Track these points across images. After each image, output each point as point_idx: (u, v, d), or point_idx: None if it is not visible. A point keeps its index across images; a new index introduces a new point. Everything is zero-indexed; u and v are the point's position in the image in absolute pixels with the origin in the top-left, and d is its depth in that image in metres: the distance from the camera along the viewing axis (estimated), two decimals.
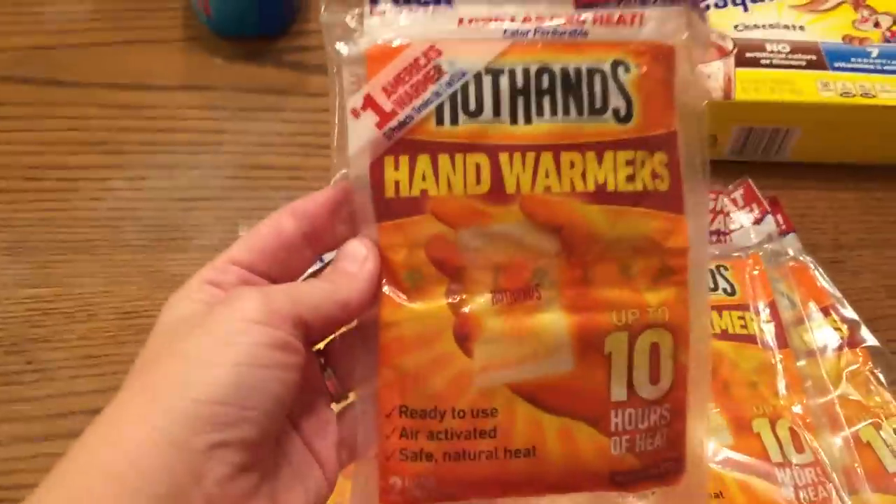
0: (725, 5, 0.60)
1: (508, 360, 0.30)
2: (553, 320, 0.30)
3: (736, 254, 0.51)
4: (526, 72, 0.30)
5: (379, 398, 0.30)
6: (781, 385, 0.46)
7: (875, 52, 0.58)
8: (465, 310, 0.30)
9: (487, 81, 0.30)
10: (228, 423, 0.27)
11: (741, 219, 0.52)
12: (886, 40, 0.59)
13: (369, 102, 0.30)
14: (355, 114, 0.30)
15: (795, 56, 0.57)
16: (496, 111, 0.30)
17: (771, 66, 0.57)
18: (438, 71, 0.30)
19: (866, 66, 0.57)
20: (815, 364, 0.47)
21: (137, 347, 0.48)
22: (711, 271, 0.50)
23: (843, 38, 0.58)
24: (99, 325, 0.50)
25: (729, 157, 0.58)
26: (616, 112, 0.30)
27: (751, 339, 0.47)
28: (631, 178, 0.30)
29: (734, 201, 0.53)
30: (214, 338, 0.28)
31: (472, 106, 0.30)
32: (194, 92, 0.61)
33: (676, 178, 0.31)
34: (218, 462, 0.26)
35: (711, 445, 0.43)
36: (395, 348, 0.30)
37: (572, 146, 0.30)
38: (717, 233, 0.52)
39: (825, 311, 0.49)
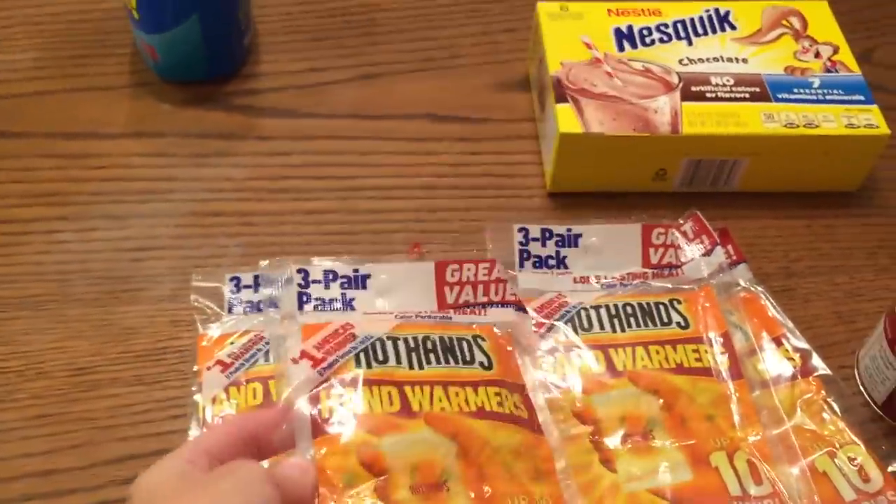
0: (671, 40, 0.61)
1: None
2: None
3: (688, 286, 0.51)
4: (415, 338, 0.45)
5: None
6: (737, 417, 0.46)
7: (816, 83, 0.59)
8: (391, 502, 0.39)
9: (390, 343, 0.44)
10: None
11: (692, 251, 0.53)
12: (827, 70, 0.60)
13: (304, 354, 0.43)
14: (294, 361, 0.42)
15: (739, 89, 0.58)
16: (398, 360, 0.44)
17: (716, 98, 0.58)
18: (353, 336, 0.44)
19: (808, 97, 0.58)
20: (770, 394, 0.47)
21: (90, 404, 0.48)
22: (665, 305, 0.50)
23: (786, 70, 0.60)
24: (50, 383, 0.49)
25: (679, 188, 0.59)
26: (482, 363, 0.45)
27: (706, 371, 0.48)
28: (500, 405, 0.43)
29: (684, 234, 0.54)
30: (228, 488, 0.34)
31: (381, 357, 0.43)
32: (143, 139, 0.60)
33: (532, 411, 0.45)
34: None
35: (668, 478, 0.44)
36: None
37: (455, 383, 0.43)
38: (669, 266, 0.53)
39: (777, 342, 0.50)
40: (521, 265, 0.52)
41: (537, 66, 0.62)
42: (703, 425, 0.46)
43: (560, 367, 0.48)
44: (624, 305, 0.50)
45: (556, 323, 0.49)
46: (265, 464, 0.39)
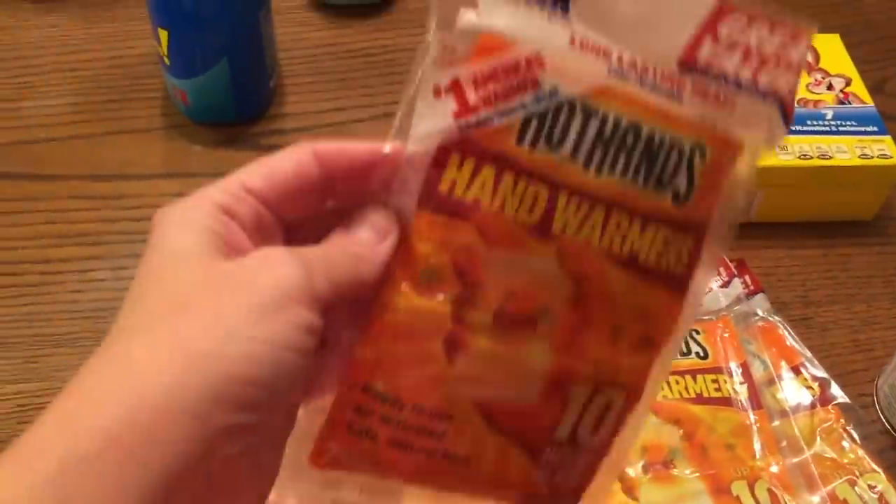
0: None
1: (484, 379, 0.31)
2: (538, 355, 0.31)
3: (706, 317, 0.52)
4: (617, 123, 0.30)
5: (349, 367, 0.30)
6: (757, 446, 0.47)
7: (829, 115, 0.60)
8: (465, 321, 0.30)
9: (578, 118, 0.29)
10: (255, 406, 0.25)
11: (710, 283, 0.54)
12: (840, 102, 0.61)
13: (455, 86, 0.29)
14: (437, 93, 0.29)
15: None
16: (575, 151, 0.30)
17: None
18: (534, 84, 0.29)
19: (822, 129, 0.59)
20: (789, 423, 0.48)
21: None
22: (684, 336, 0.51)
23: (799, 102, 0.61)
24: None
25: None
26: (676, 193, 0.31)
27: (726, 401, 0.49)
28: (660, 256, 0.31)
29: None
30: (250, 304, 0.25)
31: (556, 137, 0.29)
32: (175, 179, 0.62)
33: (693, 265, 0.32)
34: (232, 442, 0.24)
35: None
36: (385, 332, 0.30)
37: (625, 209, 0.30)
38: None
39: (796, 370, 0.51)
40: None
41: None
42: (723, 454, 0.47)
43: None
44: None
45: None
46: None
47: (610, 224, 0.30)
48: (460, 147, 0.29)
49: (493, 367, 0.31)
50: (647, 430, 0.47)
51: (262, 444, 0.26)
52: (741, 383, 0.49)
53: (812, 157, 0.58)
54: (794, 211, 0.60)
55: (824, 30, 0.66)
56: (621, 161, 0.30)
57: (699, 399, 0.49)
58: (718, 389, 0.49)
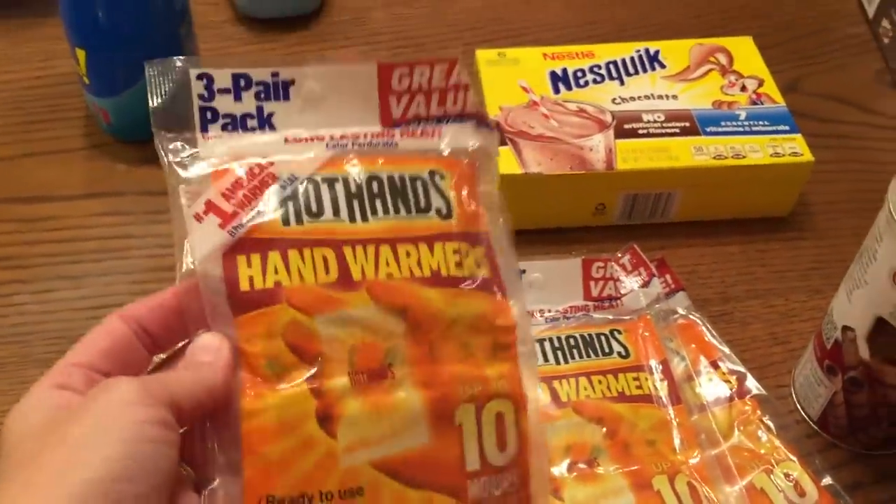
0: (604, 80, 0.64)
1: (370, 437, 0.32)
2: (407, 396, 0.33)
3: (628, 317, 0.54)
4: (357, 179, 0.35)
5: (245, 489, 0.31)
6: (677, 441, 0.48)
7: (743, 115, 0.62)
8: (326, 393, 0.32)
9: (323, 187, 0.34)
10: (121, 501, 0.27)
11: (630, 283, 0.55)
12: (753, 102, 0.63)
13: (210, 206, 0.33)
14: (198, 218, 0.33)
15: (670, 124, 0.61)
16: (335, 212, 0.34)
17: (648, 135, 0.60)
18: (273, 177, 0.34)
19: (735, 129, 0.61)
20: (707, 417, 0.49)
21: None
22: (606, 335, 0.52)
23: (713, 104, 0.63)
24: None
25: (619, 222, 0.61)
26: (439, 211, 0.36)
27: (646, 398, 0.50)
28: (459, 265, 0.35)
29: (623, 267, 0.56)
30: (96, 421, 0.29)
31: (314, 208, 0.34)
32: (99, 199, 0.62)
33: (495, 268, 0.36)
34: None
35: None
36: (258, 437, 0.31)
37: (406, 239, 0.34)
38: (609, 298, 0.55)
39: (714, 365, 0.52)
40: None
41: None
42: (645, 451, 0.48)
43: None
44: (567, 338, 0.52)
45: None
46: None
47: (400, 255, 0.34)
48: (240, 248, 0.33)
49: (373, 424, 0.32)
50: (570, 429, 0.48)
51: None
52: (661, 380, 0.50)
53: (726, 158, 0.59)
54: (712, 209, 0.62)
55: (739, 32, 0.69)
56: (378, 205, 0.35)
57: (621, 397, 0.50)
58: (640, 387, 0.50)
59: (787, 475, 0.47)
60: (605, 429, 0.48)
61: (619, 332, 0.53)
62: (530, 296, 0.55)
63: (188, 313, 0.33)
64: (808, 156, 0.60)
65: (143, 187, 0.63)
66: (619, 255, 0.56)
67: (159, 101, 0.34)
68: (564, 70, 0.64)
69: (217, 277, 0.32)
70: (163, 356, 0.34)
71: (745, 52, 0.66)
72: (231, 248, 0.33)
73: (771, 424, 0.49)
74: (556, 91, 0.63)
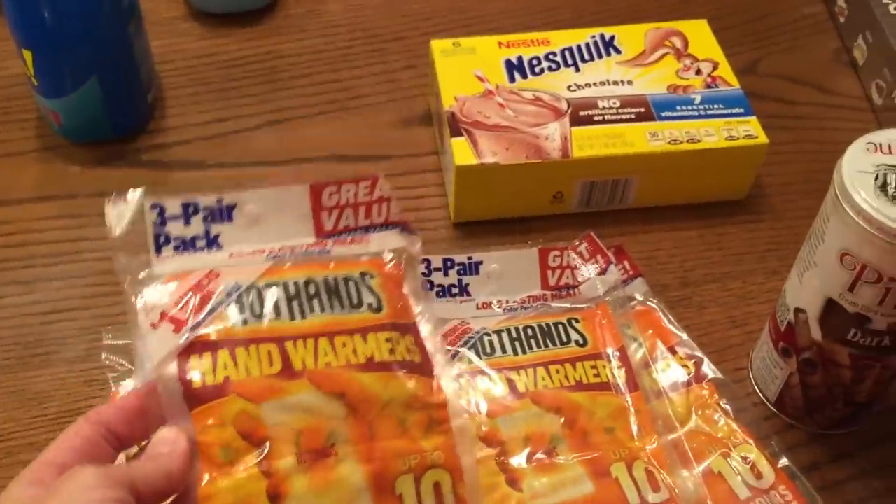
0: (559, 68, 0.64)
1: None
2: (350, 471, 0.37)
3: (585, 305, 0.53)
4: (295, 284, 0.40)
5: None
6: (635, 427, 0.48)
7: (698, 99, 0.62)
8: (274, 473, 0.36)
9: (266, 292, 0.39)
10: None
11: (587, 271, 0.55)
12: (708, 86, 0.63)
13: (163, 315, 0.38)
14: (154, 326, 0.38)
15: (625, 110, 0.61)
16: (277, 312, 0.39)
17: (603, 121, 0.60)
18: (219, 286, 0.39)
19: (690, 113, 0.61)
20: (664, 403, 0.49)
21: (7, 472, 0.48)
22: (563, 324, 0.52)
23: (668, 88, 0.63)
24: None
25: (577, 209, 0.61)
26: (370, 305, 0.41)
27: (604, 386, 0.50)
28: (392, 352, 0.40)
29: (580, 255, 0.56)
30: (61, 502, 0.32)
31: (257, 310, 0.39)
32: (51, 202, 0.61)
33: (425, 353, 0.41)
34: None
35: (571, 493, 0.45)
36: None
37: (343, 331, 0.39)
38: (566, 286, 0.55)
39: (671, 351, 0.52)
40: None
41: (435, 102, 0.65)
42: (603, 438, 0.48)
43: (465, 393, 0.49)
44: (525, 328, 0.52)
45: (460, 349, 0.51)
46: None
47: (337, 346, 0.39)
48: (193, 350, 0.37)
49: (319, 498, 0.36)
50: (528, 420, 0.48)
51: None
52: (619, 367, 0.50)
53: (682, 142, 0.59)
54: (669, 195, 0.62)
55: (694, 15, 0.69)
56: (315, 304, 0.40)
57: (579, 386, 0.50)
58: (597, 375, 0.50)
59: (744, 458, 0.48)
60: (563, 418, 0.48)
61: (577, 321, 0.53)
62: (488, 287, 0.55)
63: (149, 412, 0.37)
64: (762, 138, 0.60)
65: (97, 189, 0.62)
66: (577, 243, 0.56)
67: (119, 230, 0.40)
68: (520, 58, 0.64)
69: (173, 378, 0.37)
70: (133, 451, 0.38)
71: (700, 35, 0.66)
72: (185, 351, 0.37)
73: (728, 408, 0.50)
74: (512, 80, 0.63)
